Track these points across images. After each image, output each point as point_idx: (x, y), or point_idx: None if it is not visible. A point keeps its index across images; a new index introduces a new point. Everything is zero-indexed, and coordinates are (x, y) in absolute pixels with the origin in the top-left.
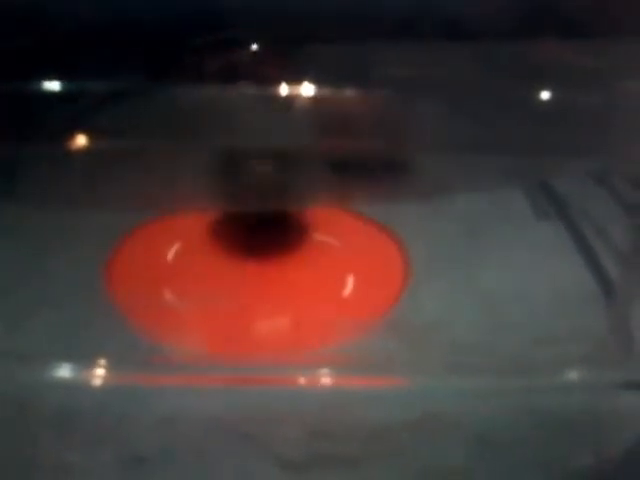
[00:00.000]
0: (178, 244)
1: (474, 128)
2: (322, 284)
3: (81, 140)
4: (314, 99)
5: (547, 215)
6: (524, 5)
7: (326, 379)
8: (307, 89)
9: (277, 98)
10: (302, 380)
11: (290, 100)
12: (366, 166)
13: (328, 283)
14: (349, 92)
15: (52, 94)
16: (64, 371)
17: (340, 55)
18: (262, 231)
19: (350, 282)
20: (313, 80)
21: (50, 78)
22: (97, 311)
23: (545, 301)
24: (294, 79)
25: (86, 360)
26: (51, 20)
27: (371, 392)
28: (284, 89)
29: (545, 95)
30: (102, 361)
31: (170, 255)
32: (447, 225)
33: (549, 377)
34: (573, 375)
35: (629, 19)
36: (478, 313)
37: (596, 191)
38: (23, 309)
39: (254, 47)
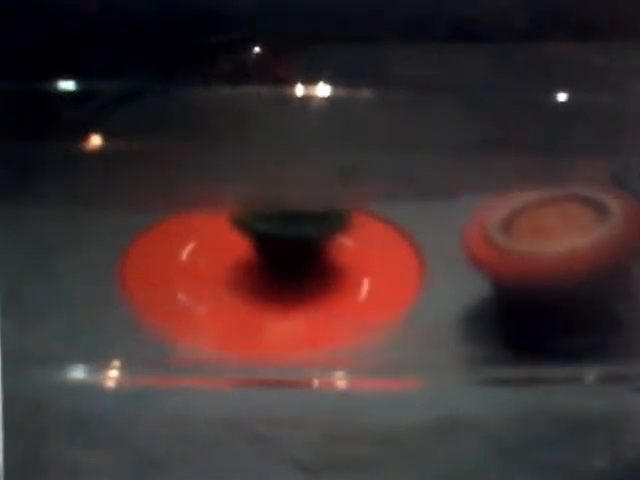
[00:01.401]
0: (192, 244)
1: (490, 128)
2: (337, 285)
3: (95, 140)
4: (329, 99)
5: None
6: (539, 6)
7: (341, 381)
8: (322, 89)
9: (291, 98)
10: (317, 382)
11: (304, 100)
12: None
13: (343, 285)
14: (363, 92)
15: (66, 94)
16: (77, 372)
17: (354, 55)
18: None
19: (365, 284)
20: (327, 80)
21: (65, 78)
22: (111, 312)
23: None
24: (308, 79)
25: (99, 361)
26: (66, 19)
27: (386, 394)
28: (298, 89)
29: (560, 95)
30: (116, 362)
31: (184, 255)
32: (462, 225)
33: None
34: (589, 376)
35: None
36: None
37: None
38: (36, 310)
39: (268, 47)
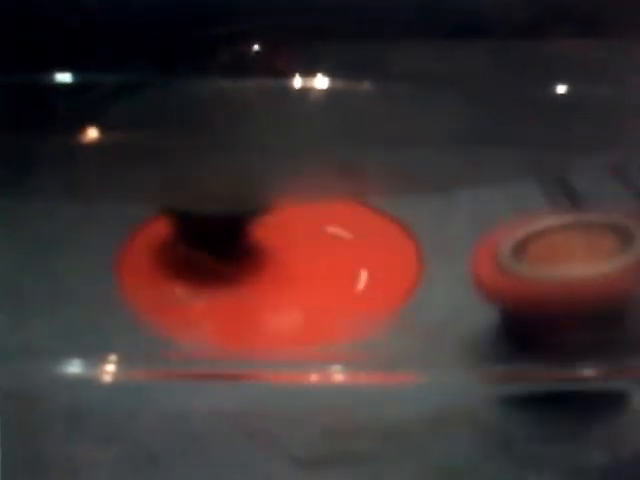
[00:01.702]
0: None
1: (490, 122)
2: (335, 279)
3: (94, 133)
4: (328, 92)
5: (563, 209)
6: (540, 1)
7: (339, 375)
8: (321, 82)
9: (291, 91)
10: (314, 376)
11: (304, 93)
12: (380, 161)
13: (341, 278)
14: (363, 86)
15: (65, 86)
16: (74, 367)
17: (354, 48)
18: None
19: (363, 277)
20: (327, 73)
21: (63, 70)
22: (108, 306)
23: None
24: (308, 72)
25: (96, 356)
26: (64, 11)
27: (384, 388)
28: (298, 82)
29: (561, 89)
30: (112, 357)
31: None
32: (460, 218)
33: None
34: (585, 371)
35: None
36: (492, 308)
37: (613, 185)
38: (33, 305)
39: (268, 39)
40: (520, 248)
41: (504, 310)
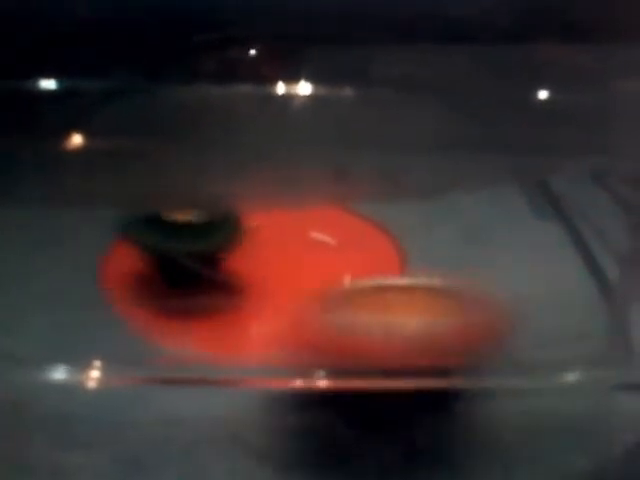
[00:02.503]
0: None
1: (473, 128)
2: (318, 284)
3: (79, 139)
4: (312, 98)
5: (545, 215)
6: (523, 7)
7: (322, 381)
8: (306, 88)
9: (275, 97)
10: (297, 382)
11: (288, 99)
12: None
13: (324, 283)
14: (347, 92)
15: (49, 93)
16: (60, 373)
17: (339, 54)
18: None
19: (347, 282)
20: (311, 79)
21: (47, 77)
22: (93, 312)
23: (543, 301)
24: (293, 78)
25: (82, 362)
26: (48, 18)
27: (363, 393)
28: (283, 88)
29: (543, 95)
30: (98, 363)
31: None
32: (444, 224)
33: (548, 378)
34: (572, 376)
35: (628, 20)
36: None
37: (594, 191)
38: (19, 310)
39: (252, 46)
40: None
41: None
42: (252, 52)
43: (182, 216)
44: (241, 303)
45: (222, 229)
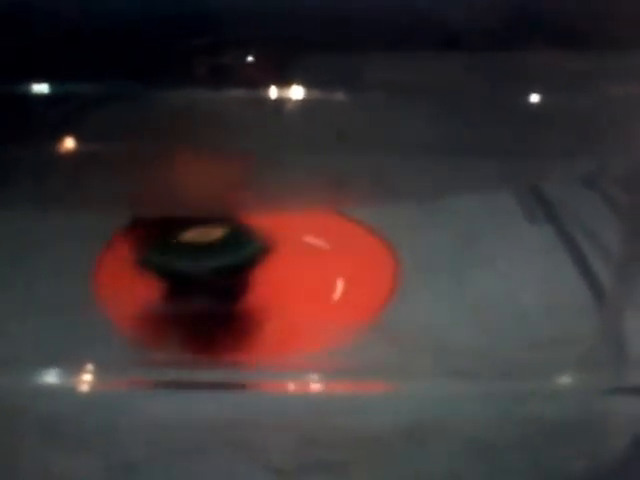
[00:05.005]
0: None
1: (464, 132)
2: (311, 288)
3: (69, 143)
4: (304, 103)
5: (537, 219)
6: (515, 13)
7: (315, 385)
8: (298, 92)
9: (267, 102)
10: (291, 385)
11: (281, 104)
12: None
13: (317, 287)
14: (340, 96)
15: (40, 97)
16: (49, 377)
17: (330, 59)
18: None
19: (340, 286)
20: (303, 83)
21: (38, 81)
22: (83, 315)
23: (536, 305)
24: (285, 83)
25: (72, 365)
26: (39, 21)
27: (360, 398)
28: (275, 92)
29: (534, 98)
30: (88, 366)
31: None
32: (437, 228)
33: (540, 382)
34: (564, 380)
35: (618, 27)
36: (469, 317)
37: (586, 194)
38: (7, 313)
39: (246, 50)
40: None
41: None
42: (245, 57)
43: (201, 236)
44: (234, 308)
45: (246, 244)
